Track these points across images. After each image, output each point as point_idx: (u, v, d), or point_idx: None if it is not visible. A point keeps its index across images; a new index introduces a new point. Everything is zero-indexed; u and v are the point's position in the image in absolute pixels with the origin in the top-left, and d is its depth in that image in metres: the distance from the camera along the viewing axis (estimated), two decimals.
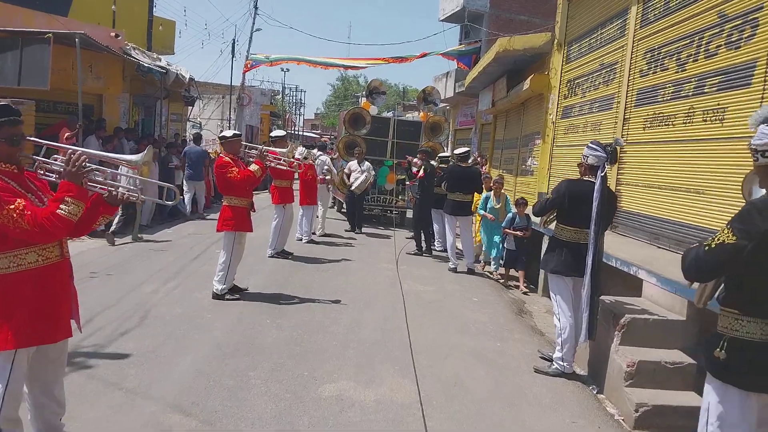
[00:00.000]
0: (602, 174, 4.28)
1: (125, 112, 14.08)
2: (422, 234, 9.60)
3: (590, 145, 4.45)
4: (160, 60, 14.55)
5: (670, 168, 5.91)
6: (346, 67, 20.31)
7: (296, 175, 8.57)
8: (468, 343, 5.10)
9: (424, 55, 19.57)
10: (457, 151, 8.75)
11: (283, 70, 52.77)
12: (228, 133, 6.00)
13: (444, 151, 12.42)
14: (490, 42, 17.11)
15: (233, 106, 25.41)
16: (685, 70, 5.92)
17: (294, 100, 55.32)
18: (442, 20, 22.40)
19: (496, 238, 8.48)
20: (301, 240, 9.89)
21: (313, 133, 45.61)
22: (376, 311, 5.94)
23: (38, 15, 10.51)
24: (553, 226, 4.77)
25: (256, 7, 23.35)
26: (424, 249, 9.53)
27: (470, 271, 8.27)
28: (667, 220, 5.97)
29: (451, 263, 8.41)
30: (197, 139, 14.49)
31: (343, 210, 13.22)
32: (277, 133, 8.62)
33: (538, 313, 6.73)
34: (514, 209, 8.33)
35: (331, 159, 11.40)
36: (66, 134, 9.99)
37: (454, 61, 20.06)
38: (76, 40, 9.49)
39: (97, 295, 5.84)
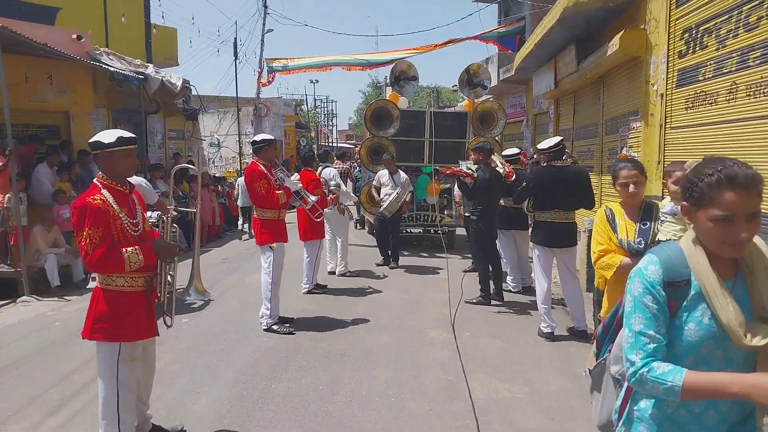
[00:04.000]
0: None
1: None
2: (490, 269, 6.40)
3: None
4: (148, 67, 11.91)
5: None
6: (370, 65, 17.27)
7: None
8: None
9: (455, 41, 16.63)
10: (543, 145, 5.40)
11: (312, 82, 50.69)
12: (109, 137, 2.78)
13: (498, 148, 9.31)
14: (536, 18, 13.97)
15: (250, 119, 22.83)
16: None
17: (326, 111, 53.15)
18: (476, 0, 19.31)
19: None
20: (308, 290, 6.88)
21: (348, 143, 43.05)
22: None
23: None
24: None
25: (265, 6, 20.60)
26: (493, 292, 6.36)
27: (579, 334, 5.03)
28: None
29: (543, 324, 5.18)
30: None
31: (374, 232, 10.17)
32: (261, 137, 5.52)
33: None
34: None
35: (344, 169, 8.11)
36: None
37: (494, 45, 17.01)
38: None
39: None
